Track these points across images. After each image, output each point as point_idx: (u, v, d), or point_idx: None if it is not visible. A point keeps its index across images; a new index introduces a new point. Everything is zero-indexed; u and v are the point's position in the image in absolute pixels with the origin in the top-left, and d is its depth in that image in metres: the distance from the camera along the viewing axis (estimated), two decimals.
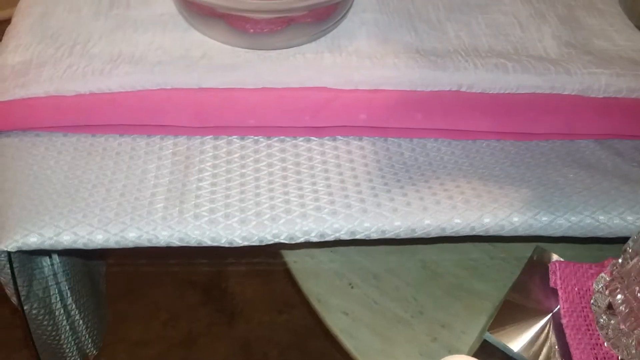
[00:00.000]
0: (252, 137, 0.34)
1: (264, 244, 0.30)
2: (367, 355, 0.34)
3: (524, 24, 0.40)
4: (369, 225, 0.30)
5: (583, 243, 0.33)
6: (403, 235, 0.30)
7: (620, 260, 0.27)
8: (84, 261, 0.44)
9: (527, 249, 0.33)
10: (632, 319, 0.26)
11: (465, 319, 0.35)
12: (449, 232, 0.30)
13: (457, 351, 0.32)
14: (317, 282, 0.38)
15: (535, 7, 0.41)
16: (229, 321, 0.91)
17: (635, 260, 0.25)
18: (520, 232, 0.30)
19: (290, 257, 0.38)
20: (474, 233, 0.30)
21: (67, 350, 0.34)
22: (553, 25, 0.40)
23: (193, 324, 0.90)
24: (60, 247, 0.28)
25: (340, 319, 0.35)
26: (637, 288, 0.25)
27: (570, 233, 0.30)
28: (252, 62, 0.35)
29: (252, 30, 0.37)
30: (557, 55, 0.37)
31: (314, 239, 0.30)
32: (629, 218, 0.30)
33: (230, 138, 0.34)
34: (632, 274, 0.25)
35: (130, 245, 0.29)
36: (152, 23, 0.37)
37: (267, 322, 0.91)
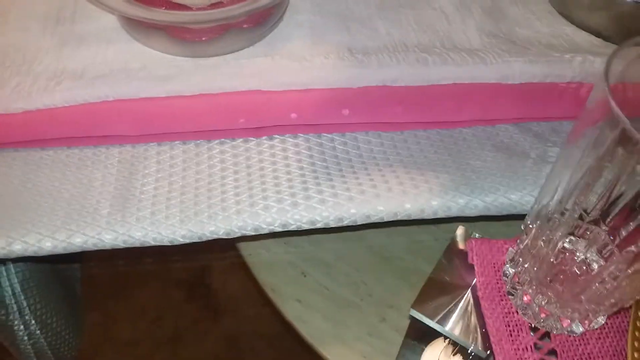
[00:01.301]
0: (194, 141, 0.37)
1: (203, 240, 0.32)
2: (320, 339, 0.36)
3: (450, 17, 0.42)
4: (299, 217, 0.32)
5: (507, 220, 0.36)
6: (332, 224, 0.33)
7: (523, 236, 0.29)
8: (53, 267, 0.46)
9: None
10: (533, 287, 0.28)
11: (411, 299, 0.37)
12: (374, 219, 0.32)
13: (403, 329, 0.35)
14: (271, 272, 0.40)
15: (460, 0, 0.43)
16: (215, 317, 0.94)
17: (530, 235, 0.27)
18: (440, 214, 0.33)
19: (246, 250, 0.41)
20: (397, 218, 0.33)
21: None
22: (477, 17, 0.42)
23: (179, 322, 0.93)
24: (12, 256, 0.31)
25: (293, 306, 0.38)
26: (532, 261, 0.27)
27: (487, 212, 0.33)
28: (190, 71, 0.37)
29: (191, 39, 0.39)
30: (479, 46, 0.39)
31: (250, 232, 0.32)
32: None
33: (173, 143, 0.37)
34: (528, 248, 0.28)
35: (78, 249, 0.31)
36: (96, 37, 0.39)
37: (252, 316, 0.94)
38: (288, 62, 0.37)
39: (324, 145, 0.37)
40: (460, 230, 0.33)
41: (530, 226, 0.28)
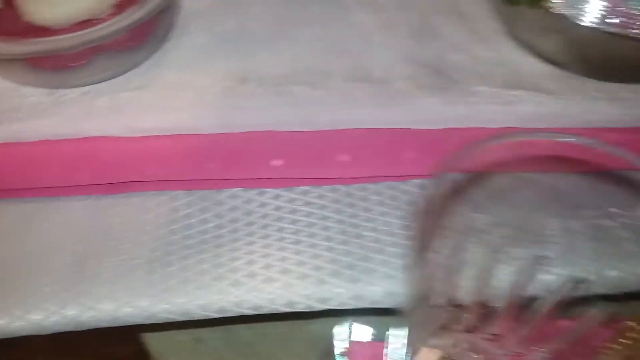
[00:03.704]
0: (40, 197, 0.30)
1: None
2: None
3: (371, 37, 0.34)
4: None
5: None
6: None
7: None
8: None
9: None
10: None
11: None
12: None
13: None
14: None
15: (385, 16, 0.35)
16: None
17: None
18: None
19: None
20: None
21: None
22: (403, 38, 0.34)
23: None
24: None
25: None
26: None
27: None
28: (37, 110, 0.31)
29: (54, 68, 0.33)
30: (398, 76, 0.31)
31: None
32: None
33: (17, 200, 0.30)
34: None
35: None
36: None
37: None
38: (156, 99, 0.30)
39: (192, 204, 0.30)
40: (336, 329, 0.26)
41: None
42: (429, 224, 0.17)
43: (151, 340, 0.36)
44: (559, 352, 0.21)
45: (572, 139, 0.19)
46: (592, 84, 0.31)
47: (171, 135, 0.30)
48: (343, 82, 0.31)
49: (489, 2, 0.36)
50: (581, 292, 0.22)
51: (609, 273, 0.25)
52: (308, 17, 0.36)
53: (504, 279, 0.24)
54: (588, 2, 0.29)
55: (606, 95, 0.30)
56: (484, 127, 0.30)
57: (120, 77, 0.33)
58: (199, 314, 0.26)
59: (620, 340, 0.23)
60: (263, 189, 0.29)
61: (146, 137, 0.29)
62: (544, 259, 0.24)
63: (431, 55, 0.33)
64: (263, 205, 0.29)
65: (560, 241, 0.26)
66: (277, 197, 0.29)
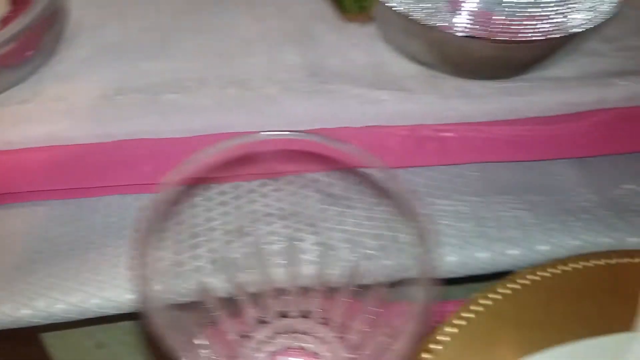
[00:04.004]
0: None
1: None
2: None
3: (250, 46, 0.36)
4: None
5: None
6: None
7: None
8: None
9: None
10: None
11: None
12: None
13: None
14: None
15: (267, 25, 0.37)
16: None
17: None
18: None
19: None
20: None
21: None
22: (286, 45, 0.36)
23: None
24: None
25: None
26: None
27: None
28: None
29: None
30: (278, 80, 0.33)
31: None
32: None
33: None
34: None
35: None
36: None
37: None
38: (36, 112, 0.31)
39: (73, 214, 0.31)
40: None
41: None
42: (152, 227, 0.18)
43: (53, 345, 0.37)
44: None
45: (296, 136, 0.20)
46: (453, 82, 0.34)
47: (47, 146, 0.30)
48: (218, 89, 0.33)
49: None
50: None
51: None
52: (192, 28, 0.37)
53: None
54: (439, 6, 0.31)
55: (462, 92, 0.33)
56: (350, 127, 0.32)
57: (5, 93, 0.34)
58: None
59: (454, 321, 0.24)
60: (139, 194, 0.30)
61: (23, 149, 0.30)
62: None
63: (307, 60, 0.35)
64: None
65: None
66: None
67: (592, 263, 0.25)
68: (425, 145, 0.31)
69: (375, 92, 0.33)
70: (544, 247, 0.27)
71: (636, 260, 0.25)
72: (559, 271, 0.25)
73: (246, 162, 0.20)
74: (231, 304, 0.22)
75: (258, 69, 0.34)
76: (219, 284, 0.23)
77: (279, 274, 0.24)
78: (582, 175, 0.31)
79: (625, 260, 0.25)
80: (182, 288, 0.22)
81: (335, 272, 0.24)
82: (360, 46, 0.36)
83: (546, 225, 0.28)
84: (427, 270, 0.16)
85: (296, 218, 0.27)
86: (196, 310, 0.21)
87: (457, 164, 0.32)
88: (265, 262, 0.24)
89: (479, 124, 0.32)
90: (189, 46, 0.36)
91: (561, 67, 0.35)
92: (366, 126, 0.32)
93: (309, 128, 0.31)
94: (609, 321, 0.23)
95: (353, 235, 0.26)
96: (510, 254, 0.27)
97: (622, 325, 0.23)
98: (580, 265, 0.25)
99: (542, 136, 0.32)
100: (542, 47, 0.32)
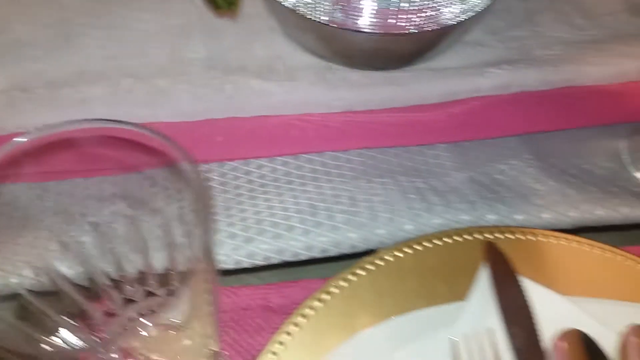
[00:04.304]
0: None
1: None
2: None
3: (149, 42, 0.37)
4: None
5: None
6: None
7: None
8: None
9: None
10: None
11: None
12: None
13: None
14: None
15: (169, 20, 0.38)
16: None
17: None
18: None
19: None
20: None
21: None
22: (197, 39, 0.37)
23: None
24: None
25: None
26: None
27: None
28: None
29: None
30: (169, 76, 0.35)
31: None
32: None
33: None
34: None
35: None
36: None
37: None
38: None
39: None
40: None
41: None
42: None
43: None
44: None
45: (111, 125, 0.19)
46: (343, 73, 0.36)
47: None
48: (114, 82, 0.34)
49: (265, 2, 0.40)
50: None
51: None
52: (95, 23, 0.38)
53: None
54: (326, 2, 0.33)
55: (349, 82, 0.35)
56: (239, 117, 0.33)
57: None
58: None
59: (311, 304, 0.26)
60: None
61: None
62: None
63: (208, 54, 0.37)
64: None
65: None
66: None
67: (441, 241, 0.27)
68: (312, 132, 0.33)
69: (267, 83, 0.34)
70: (409, 227, 0.30)
71: (479, 237, 0.28)
72: (411, 251, 0.27)
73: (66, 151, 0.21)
74: (90, 288, 0.24)
75: (156, 63, 0.36)
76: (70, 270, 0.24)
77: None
78: (456, 158, 0.33)
79: (472, 237, 0.28)
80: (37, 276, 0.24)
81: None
82: (261, 40, 0.38)
83: (414, 206, 0.31)
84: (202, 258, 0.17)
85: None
86: (56, 296, 0.23)
87: (345, 150, 0.34)
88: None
89: (364, 112, 0.34)
90: (91, 41, 0.37)
91: (447, 58, 0.37)
92: (256, 116, 0.34)
93: (198, 119, 0.33)
94: (451, 292, 0.26)
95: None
96: (378, 233, 0.30)
97: (462, 295, 0.26)
98: (430, 244, 0.28)
99: (420, 123, 0.34)
100: (419, 40, 0.34)
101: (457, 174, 0.33)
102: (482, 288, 0.25)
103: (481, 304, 0.24)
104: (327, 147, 0.34)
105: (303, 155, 0.33)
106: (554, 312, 0.24)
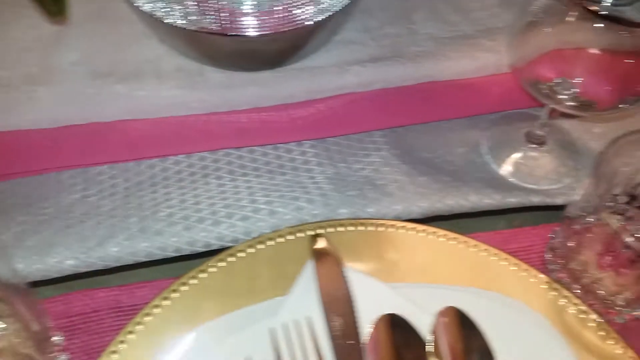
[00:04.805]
0: None
1: None
2: None
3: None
4: None
5: None
6: None
7: None
8: None
9: None
10: None
11: None
12: None
13: None
14: None
15: (54, 29, 0.38)
16: None
17: None
18: None
19: None
20: None
21: None
22: (63, 46, 0.37)
23: None
24: None
25: None
26: None
27: None
28: None
29: None
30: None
31: None
32: None
33: None
34: None
35: None
36: None
37: None
38: None
39: None
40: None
41: None
42: None
43: None
44: None
45: None
46: (210, 75, 0.36)
47: None
48: (22, 86, 0.34)
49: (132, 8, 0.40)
50: None
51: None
52: None
53: None
54: (174, 4, 0.33)
55: (210, 84, 0.35)
56: (100, 122, 0.34)
57: None
58: None
59: (157, 303, 0.27)
60: None
61: None
62: None
63: (79, 60, 0.37)
64: None
65: None
66: None
67: (274, 241, 0.28)
68: (172, 135, 0.34)
69: (132, 87, 0.35)
70: (263, 224, 0.30)
71: (311, 233, 0.28)
72: (243, 254, 0.28)
73: None
74: None
75: (26, 71, 0.36)
76: None
77: None
78: (321, 154, 0.34)
79: (304, 234, 0.28)
80: None
81: None
82: (135, 45, 0.38)
83: (274, 202, 0.31)
84: None
85: None
86: None
87: (207, 151, 0.34)
88: None
89: (227, 113, 0.35)
90: None
91: (319, 57, 0.38)
92: (119, 120, 0.34)
93: (60, 125, 0.33)
94: (278, 287, 0.26)
95: None
96: (234, 229, 0.30)
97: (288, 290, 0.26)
98: (263, 245, 0.28)
99: (284, 121, 0.35)
100: (278, 41, 0.34)
101: (307, 169, 0.33)
102: (305, 281, 0.26)
103: (303, 296, 0.25)
104: (192, 148, 0.34)
105: (171, 157, 0.34)
106: (375, 300, 0.25)
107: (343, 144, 0.35)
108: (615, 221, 0.27)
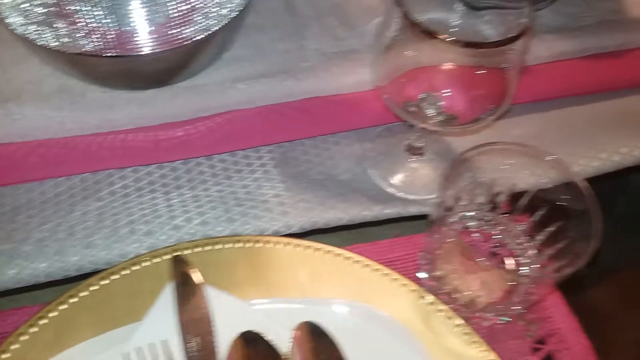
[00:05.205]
0: None
1: None
2: None
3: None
4: None
5: None
6: None
7: None
8: None
9: None
10: None
11: None
12: None
13: None
14: None
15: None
16: None
17: None
18: None
19: None
20: None
21: None
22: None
23: None
24: None
25: None
26: None
27: None
28: None
29: None
30: None
31: None
32: None
33: None
34: None
35: None
36: None
37: None
38: None
39: None
40: None
41: None
42: None
43: None
44: None
45: None
46: (96, 94, 0.36)
47: None
48: None
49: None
50: None
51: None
52: None
53: None
54: (47, 27, 0.33)
55: (94, 104, 0.35)
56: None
57: None
58: None
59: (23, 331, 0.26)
60: None
61: None
62: None
63: None
64: None
65: None
66: None
67: (129, 270, 0.28)
68: (54, 157, 0.33)
69: (14, 109, 0.34)
70: (138, 245, 0.31)
71: (170, 255, 0.28)
72: (105, 282, 0.28)
73: None
74: None
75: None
76: None
77: None
78: (205, 171, 0.35)
79: (161, 258, 0.28)
80: None
81: None
82: (18, 66, 0.37)
83: (151, 223, 0.32)
84: None
85: None
86: None
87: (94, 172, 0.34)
88: None
89: (111, 133, 0.35)
90: None
91: (209, 75, 0.38)
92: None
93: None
94: (134, 313, 0.26)
95: None
96: (109, 252, 0.30)
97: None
98: (118, 275, 0.28)
99: (166, 141, 0.35)
100: (158, 60, 0.34)
101: (202, 186, 0.34)
102: (163, 305, 0.26)
103: (159, 319, 0.25)
104: (75, 169, 0.34)
105: (52, 179, 0.34)
106: (234, 318, 0.25)
107: (229, 161, 0.35)
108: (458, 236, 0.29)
